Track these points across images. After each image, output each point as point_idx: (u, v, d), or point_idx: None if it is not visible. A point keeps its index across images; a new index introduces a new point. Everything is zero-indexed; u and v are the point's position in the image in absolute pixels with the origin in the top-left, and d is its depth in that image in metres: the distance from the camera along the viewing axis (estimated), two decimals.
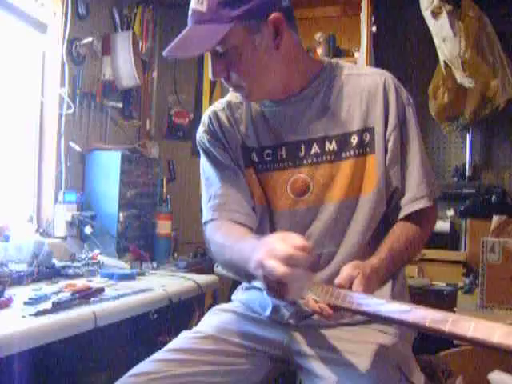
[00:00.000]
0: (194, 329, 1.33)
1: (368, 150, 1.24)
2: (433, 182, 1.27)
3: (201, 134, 1.35)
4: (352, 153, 1.24)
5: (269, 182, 1.29)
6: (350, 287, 1.03)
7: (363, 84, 1.25)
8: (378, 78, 1.26)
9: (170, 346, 1.27)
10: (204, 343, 1.26)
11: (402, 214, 1.25)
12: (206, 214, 1.31)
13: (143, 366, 1.19)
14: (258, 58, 1.16)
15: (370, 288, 1.04)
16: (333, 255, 1.27)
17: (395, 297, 1.25)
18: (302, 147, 1.26)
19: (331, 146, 1.25)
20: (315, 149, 1.26)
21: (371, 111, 1.24)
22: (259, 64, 1.17)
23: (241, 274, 1.24)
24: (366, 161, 1.25)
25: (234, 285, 1.54)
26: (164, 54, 1.16)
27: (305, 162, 1.26)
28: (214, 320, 1.34)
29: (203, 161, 1.35)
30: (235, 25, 1.11)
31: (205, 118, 1.36)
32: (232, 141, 1.32)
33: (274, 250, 0.93)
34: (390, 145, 1.23)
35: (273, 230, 1.28)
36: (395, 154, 1.24)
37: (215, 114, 1.34)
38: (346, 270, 1.06)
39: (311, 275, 1.05)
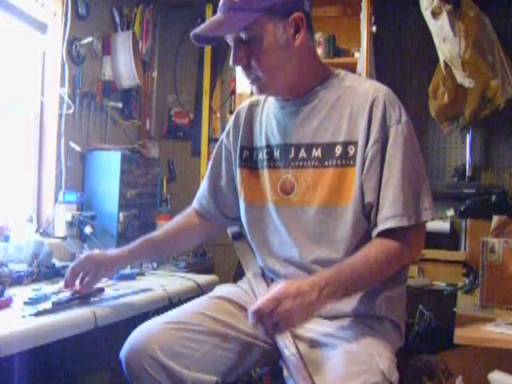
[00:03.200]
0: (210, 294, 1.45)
1: (351, 162, 1.25)
2: (414, 203, 1.22)
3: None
4: (334, 162, 1.27)
5: (263, 178, 1.38)
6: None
7: (356, 97, 1.27)
8: (370, 93, 1.26)
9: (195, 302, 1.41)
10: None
11: (374, 233, 1.24)
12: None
13: (176, 315, 1.32)
14: (277, 50, 1.24)
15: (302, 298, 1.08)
16: (310, 263, 1.28)
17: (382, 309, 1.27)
18: (292, 150, 1.33)
19: (317, 153, 1.29)
20: (302, 153, 1.31)
21: (357, 125, 1.25)
22: (277, 56, 1.25)
23: None
24: (347, 172, 1.25)
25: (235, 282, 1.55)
26: (192, 33, 1.26)
27: (292, 164, 1.32)
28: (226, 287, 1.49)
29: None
30: (263, 15, 1.21)
31: (232, 115, 1.51)
32: (237, 140, 1.44)
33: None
34: (367, 160, 1.24)
35: (262, 224, 1.38)
36: (371, 170, 1.23)
37: (238, 112, 1.47)
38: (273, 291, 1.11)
39: None
